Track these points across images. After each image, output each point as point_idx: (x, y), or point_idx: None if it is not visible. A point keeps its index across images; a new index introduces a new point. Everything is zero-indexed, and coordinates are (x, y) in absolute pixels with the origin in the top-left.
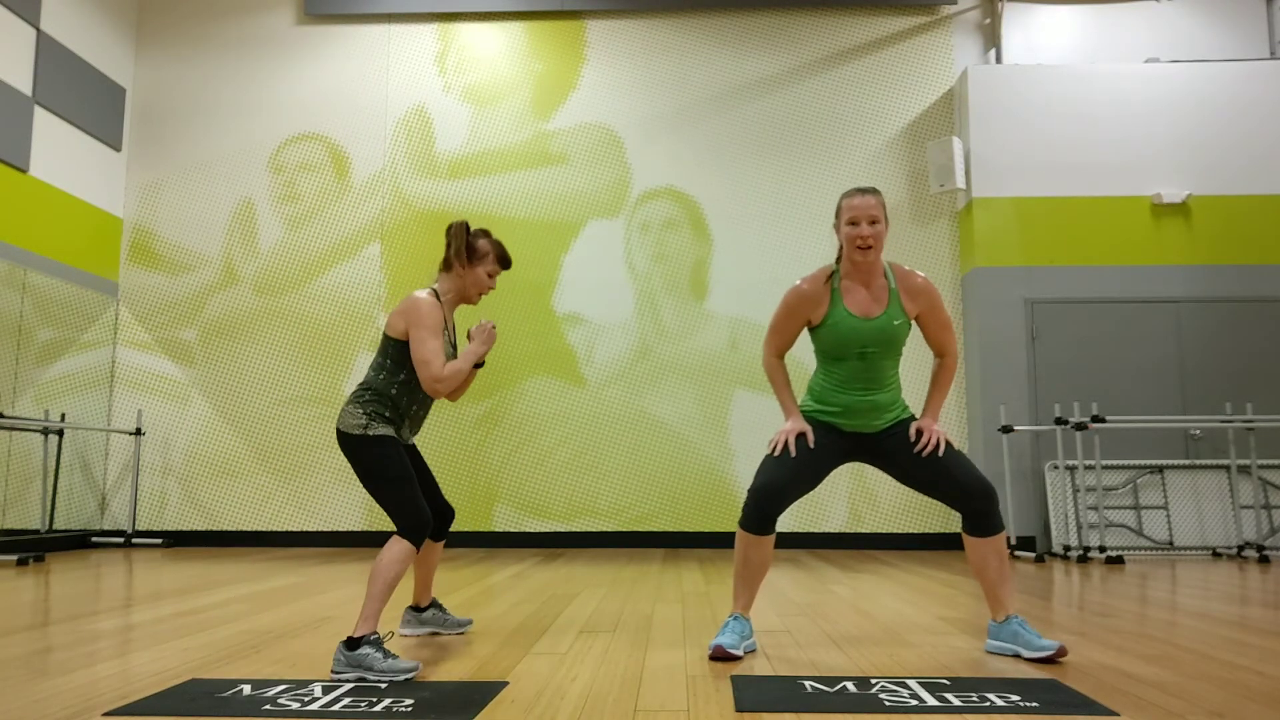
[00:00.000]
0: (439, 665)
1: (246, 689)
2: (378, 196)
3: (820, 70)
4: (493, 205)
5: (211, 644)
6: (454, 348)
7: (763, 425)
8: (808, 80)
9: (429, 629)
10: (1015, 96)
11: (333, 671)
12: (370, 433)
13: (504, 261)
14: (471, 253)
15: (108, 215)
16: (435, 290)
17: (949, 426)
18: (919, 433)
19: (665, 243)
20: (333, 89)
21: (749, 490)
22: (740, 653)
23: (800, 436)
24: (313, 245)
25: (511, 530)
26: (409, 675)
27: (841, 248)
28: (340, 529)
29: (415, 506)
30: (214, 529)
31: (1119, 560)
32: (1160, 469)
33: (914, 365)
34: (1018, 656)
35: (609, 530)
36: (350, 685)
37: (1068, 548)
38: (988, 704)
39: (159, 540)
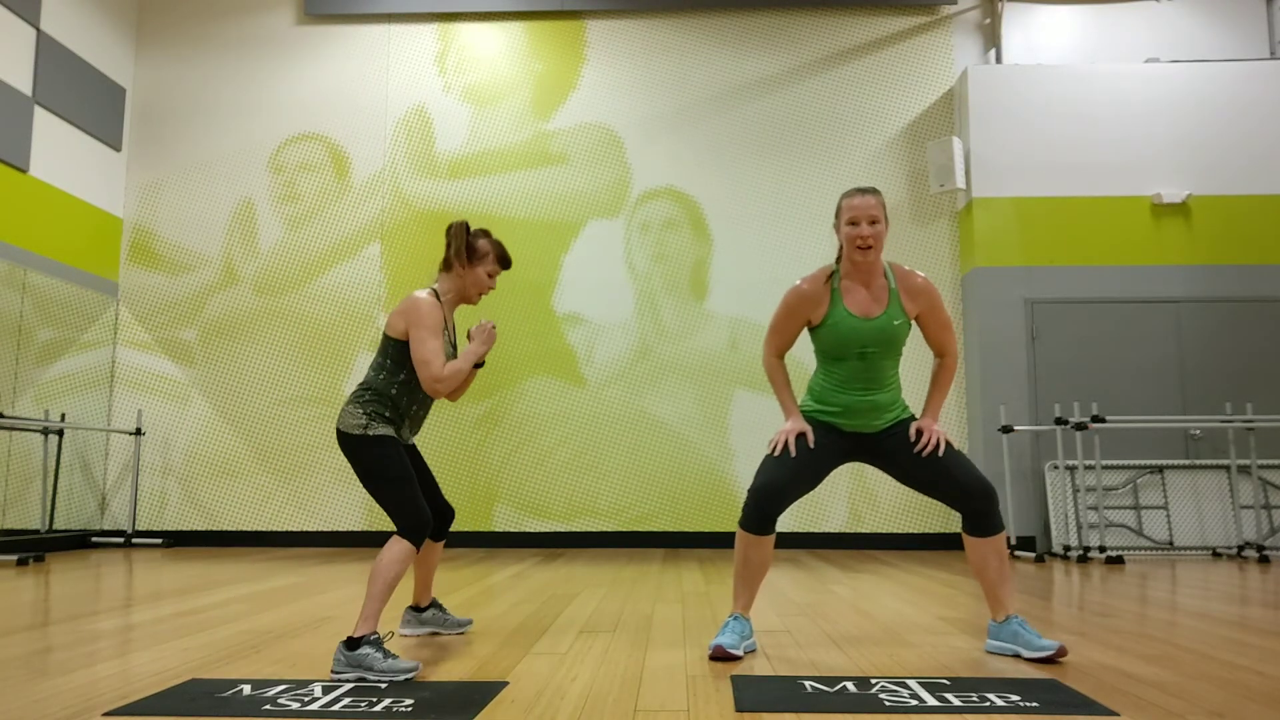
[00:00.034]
0: (439, 665)
1: (246, 689)
2: (378, 196)
3: (820, 70)
4: (493, 205)
5: (211, 644)
6: (454, 348)
7: (763, 425)
8: (808, 80)
9: (429, 629)
10: (1015, 96)
11: (333, 671)
12: (370, 433)
13: (504, 261)
14: (471, 253)
15: (108, 215)
16: (435, 290)
17: (949, 426)
18: (919, 433)
19: (665, 243)
20: (333, 89)
21: (749, 490)
22: (740, 653)
23: (800, 436)
24: (313, 245)
25: (511, 530)
26: (409, 675)
27: (841, 248)
28: (340, 529)
29: (415, 506)
30: (214, 529)
31: (1119, 560)
32: (1160, 469)
33: (914, 365)
34: (1018, 656)
35: (609, 530)
36: (350, 685)
37: (1068, 548)
38: (988, 704)
39: (159, 540)
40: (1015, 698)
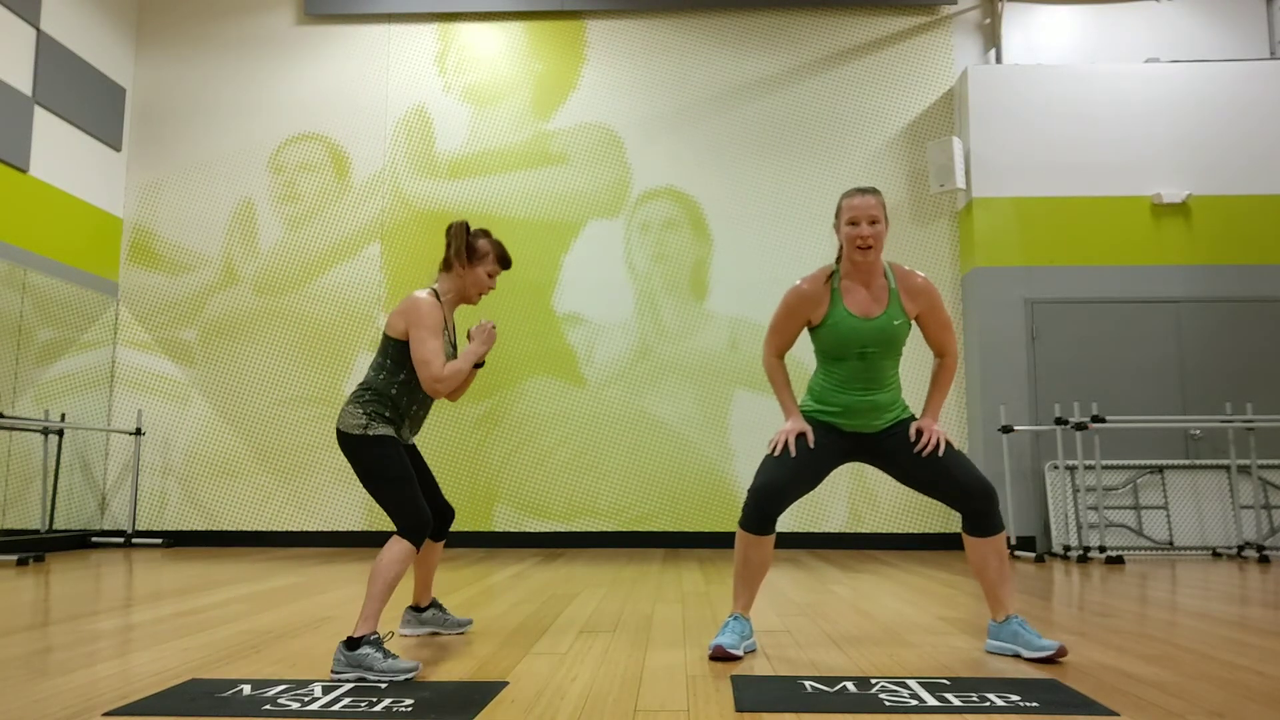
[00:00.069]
0: (439, 665)
1: (246, 689)
2: (378, 196)
3: (820, 70)
4: (493, 205)
5: (211, 644)
6: (454, 348)
7: (763, 425)
8: (808, 80)
9: (429, 629)
10: (1015, 96)
11: (333, 671)
12: (370, 433)
13: (504, 261)
14: (471, 253)
15: (108, 215)
16: (435, 290)
17: (949, 426)
18: (919, 433)
19: (665, 243)
20: (333, 89)
21: (749, 490)
22: (740, 653)
23: (800, 436)
24: (313, 245)
25: (511, 530)
26: (409, 675)
27: (841, 248)
28: (340, 529)
29: (415, 506)
30: (214, 529)
31: (1119, 560)
32: (1160, 469)
33: (914, 365)
34: (1018, 656)
35: (609, 530)
36: (350, 685)
37: (1068, 548)
38: (988, 704)
39: (159, 540)
40: (1015, 698)
